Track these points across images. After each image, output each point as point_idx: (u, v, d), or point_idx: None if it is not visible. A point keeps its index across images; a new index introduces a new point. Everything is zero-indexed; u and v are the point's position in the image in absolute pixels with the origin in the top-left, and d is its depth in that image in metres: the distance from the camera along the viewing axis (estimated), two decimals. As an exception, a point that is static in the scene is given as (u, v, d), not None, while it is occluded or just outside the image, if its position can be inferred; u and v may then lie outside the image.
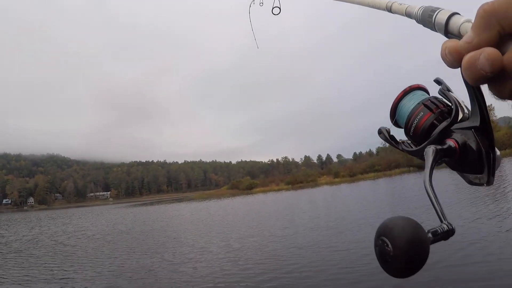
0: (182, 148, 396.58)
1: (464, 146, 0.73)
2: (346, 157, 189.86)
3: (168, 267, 14.93)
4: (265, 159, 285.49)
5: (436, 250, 11.25)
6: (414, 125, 0.87)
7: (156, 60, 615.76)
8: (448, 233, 0.63)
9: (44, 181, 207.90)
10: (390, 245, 0.58)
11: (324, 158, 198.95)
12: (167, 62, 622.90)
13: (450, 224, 0.64)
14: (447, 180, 32.53)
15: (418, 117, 0.86)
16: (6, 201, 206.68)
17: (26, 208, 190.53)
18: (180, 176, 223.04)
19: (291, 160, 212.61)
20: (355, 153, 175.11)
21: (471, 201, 20.44)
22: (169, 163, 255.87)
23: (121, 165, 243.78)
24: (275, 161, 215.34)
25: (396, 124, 0.96)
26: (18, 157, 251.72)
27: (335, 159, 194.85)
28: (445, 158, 0.75)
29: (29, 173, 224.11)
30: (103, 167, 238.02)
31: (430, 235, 0.61)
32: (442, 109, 0.84)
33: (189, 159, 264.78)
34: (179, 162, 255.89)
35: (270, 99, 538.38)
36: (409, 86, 0.93)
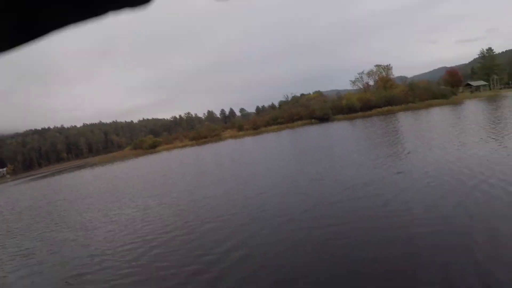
0: (80, 111, 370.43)
1: None
2: (249, 111, 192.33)
3: (80, 237, 14.35)
4: (168, 116, 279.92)
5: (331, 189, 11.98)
6: None
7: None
8: None
9: None
10: None
11: (227, 113, 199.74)
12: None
13: None
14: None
15: None
16: None
17: None
18: (80, 141, 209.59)
19: (194, 115, 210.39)
20: (257, 107, 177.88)
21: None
22: (67, 128, 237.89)
23: (16, 135, 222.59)
24: (178, 117, 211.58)
25: None
26: None
27: (238, 113, 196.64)
28: None
29: None
30: None
31: None
32: None
33: (88, 122, 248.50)
34: (78, 126, 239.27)
35: (172, 55, 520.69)
36: None
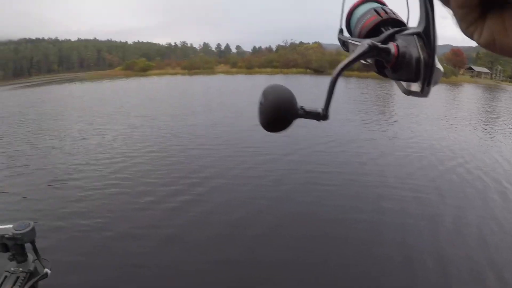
0: (76, 26, 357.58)
1: (403, 51, 0.68)
2: (245, 50, 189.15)
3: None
4: (163, 42, 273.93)
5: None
6: (359, 26, 0.86)
7: None
8: (319, 116, 0.68)
9: None
10: (263, 100, 0.68)
11: (223, 48, 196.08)
12: None
13: (326, 112, 0.68)
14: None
15: (365, 19, 0.84)
16: None
17: None
18: (73, 55, 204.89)
19: (189, 45, 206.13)
20: (254, 47, 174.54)
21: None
22: (61, 40, 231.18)
23: (8, 42, 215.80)
24: (173, 45, 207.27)
25: (349, 32, 0.92)
26: None
27: (234, 50, 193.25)
28: (379, 58, 0.71)
29: None
30: None
31: (302, 111, 0.68)
32: (392, 17, 0.82)
33: (83, 37, 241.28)
34: (72, 40, 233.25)
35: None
36: None
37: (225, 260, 6.38)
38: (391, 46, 0.71)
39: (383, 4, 0.87)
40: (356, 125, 17.95)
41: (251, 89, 40.22)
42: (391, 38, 0.74)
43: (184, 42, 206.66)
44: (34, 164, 12.60)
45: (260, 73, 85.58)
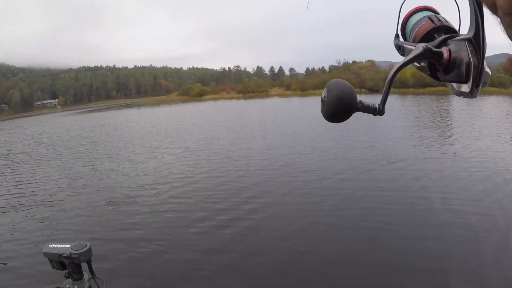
0: (132, 53, 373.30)
1: (455, 55, 0.76)
2: (298, 71, 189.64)
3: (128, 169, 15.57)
4: (216, 67, 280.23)
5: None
6: (414, 32, 0.94)
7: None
8: (376, 111, 0.78)
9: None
10: (326, 93, 0.78)
11: (276, 70, 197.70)
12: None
13: (382, 108, 0.77)
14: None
15: (420, 25, 0.92)
16: None
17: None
18: (130, 82, 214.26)
19: (243, 69, 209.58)
20: (307, 68, 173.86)
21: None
22: (119, 68, 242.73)
23: (69, 71, 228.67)
24: (227, 69, 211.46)
25: (404, 37, 1.02)
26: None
27: (287, 73, 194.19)
28: (432, 60, 0.81)
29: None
30: (49, 73, 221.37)
31: (361, 104, 0.77)
32: (445, 24, 0.89)
33: (139, 64, 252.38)
34: (129, 67, 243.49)
35: (228, 4, 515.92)
36: (424, 5, 0.99)
37: None
38: (444, 50, 0.77)
39: (436, 12, 0.97)
40: (413, 144, 17.40)
41: (306, 111, 40.11)
42: (443, 43, 0.81)
43: (237, 66, 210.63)
44: (93, 185, 13.05)
45: (314, 94, 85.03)
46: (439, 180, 11.47)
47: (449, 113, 32.63)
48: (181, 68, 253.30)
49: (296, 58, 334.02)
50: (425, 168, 12.87)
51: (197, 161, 15.89)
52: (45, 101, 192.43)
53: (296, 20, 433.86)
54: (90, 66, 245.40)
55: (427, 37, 0.87)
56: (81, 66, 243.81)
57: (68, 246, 1.76)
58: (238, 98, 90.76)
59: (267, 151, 17.11)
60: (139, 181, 13.08)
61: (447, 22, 0.89)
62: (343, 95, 0.76)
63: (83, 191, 12.35)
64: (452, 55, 0.76)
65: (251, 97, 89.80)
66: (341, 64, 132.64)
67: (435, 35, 0.86)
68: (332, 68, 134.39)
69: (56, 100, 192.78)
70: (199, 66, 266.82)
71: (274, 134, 22.60)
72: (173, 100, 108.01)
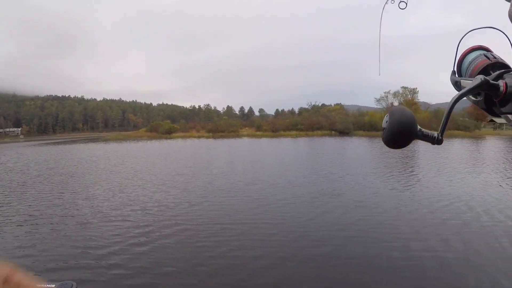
0: (102, 86, 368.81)
1: (511, 88, 0.79)
2: (268, 112, 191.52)
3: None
4: (186, 104, 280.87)
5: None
6: (470, 68, 0.98)
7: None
8: (434, 140, 0.81)
9: None
10: (388, 119, 0.82)
11: (246, 110, 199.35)
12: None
13: (441, 137, 0.81)
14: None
15: (476, 62, 0.97)
16: None
17: None
18: (98, 114, 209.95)
19: (213, 108, 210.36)
20: (277, 110, 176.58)
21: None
22: (87, 99, 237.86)
23: (35, 98, 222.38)
24: (197, 107, 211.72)
25: (459, 74, 1.05)
26: None
27: (257, 113, 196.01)
28: (489, 92, 0.84)
29: None
30: (14, 100, 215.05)
31: (420, 132, 0.80)
32: (500, 61, 0.93)
33: (108, 97, 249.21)
34: (98, 99, 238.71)
35: (205, 46, 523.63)
36: (478, 45, 1.02)
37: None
38: (501, 83, 0.82)
39: (489, 50, 1.00)
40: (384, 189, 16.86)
41: (276, 155, 39.34)
42: (500, 77, 0.86)
43: (208, 105, 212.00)
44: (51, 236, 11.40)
45: (285, 136, 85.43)
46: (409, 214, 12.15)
47: (416, 154, 34.37)
48: (151, 104, 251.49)
49: (265, 99, 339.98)
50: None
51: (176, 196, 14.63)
52: (7, 129, 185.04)
53: (266, 61, 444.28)
54: (58, 95, 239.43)
55: (483, 72, 0.93)
56: (48, 94, 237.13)
57: (53, 286, 1.35)
58: (208, 137, 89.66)
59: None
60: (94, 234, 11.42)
61: (501, 59, 0.96)
62: (405, 119, 0.78)
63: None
64: (509, 87, 0.79)
65: (221, 137, 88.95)
66: (311, 106, 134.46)
67: (491, 71, 0.92)
68: (301, 110, 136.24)
69: (20, 129, 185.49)
70: (169, 103, 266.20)
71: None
72: (141, 136, 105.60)
